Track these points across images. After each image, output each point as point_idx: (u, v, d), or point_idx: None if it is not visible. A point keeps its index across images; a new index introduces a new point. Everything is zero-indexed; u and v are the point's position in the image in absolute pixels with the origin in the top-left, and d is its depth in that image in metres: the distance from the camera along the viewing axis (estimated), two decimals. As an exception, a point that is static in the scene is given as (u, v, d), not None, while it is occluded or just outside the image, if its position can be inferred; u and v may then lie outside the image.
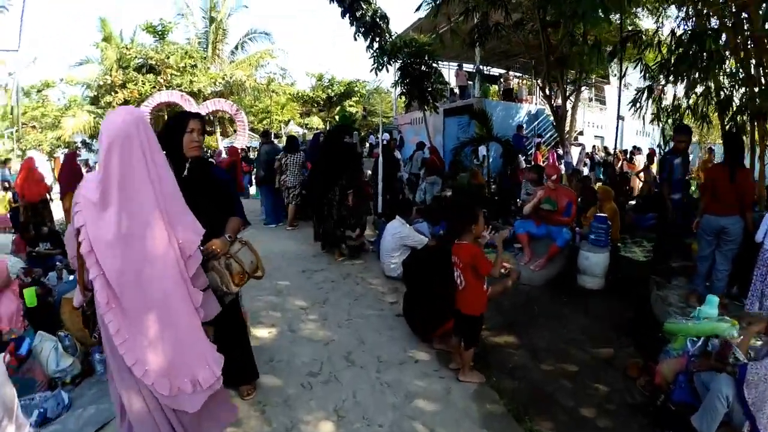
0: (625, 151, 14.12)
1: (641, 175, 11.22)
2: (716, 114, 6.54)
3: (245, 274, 2.43)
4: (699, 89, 6.36)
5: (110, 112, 1.90)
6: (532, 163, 13.58)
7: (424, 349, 3.63)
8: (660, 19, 8.17)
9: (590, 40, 8.40)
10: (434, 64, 11.43)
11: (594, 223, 5.67)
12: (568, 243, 5.58)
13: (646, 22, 11.15)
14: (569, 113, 12.68)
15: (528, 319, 4.40)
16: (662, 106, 7.10)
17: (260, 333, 3.81)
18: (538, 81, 11.17)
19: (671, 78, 6.35)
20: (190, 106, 20.08)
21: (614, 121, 18.33)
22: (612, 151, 15.29)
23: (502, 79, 18.07)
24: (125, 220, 1.78)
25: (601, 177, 13.07)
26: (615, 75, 15.69)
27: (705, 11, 6.29)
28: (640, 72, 7.78)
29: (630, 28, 8.72)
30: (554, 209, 5.55)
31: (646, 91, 6.70)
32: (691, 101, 6.64)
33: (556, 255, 5.53)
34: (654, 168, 11.42)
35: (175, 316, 1.91)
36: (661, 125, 8.05)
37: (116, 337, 1.82)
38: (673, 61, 5.99)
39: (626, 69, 8.49)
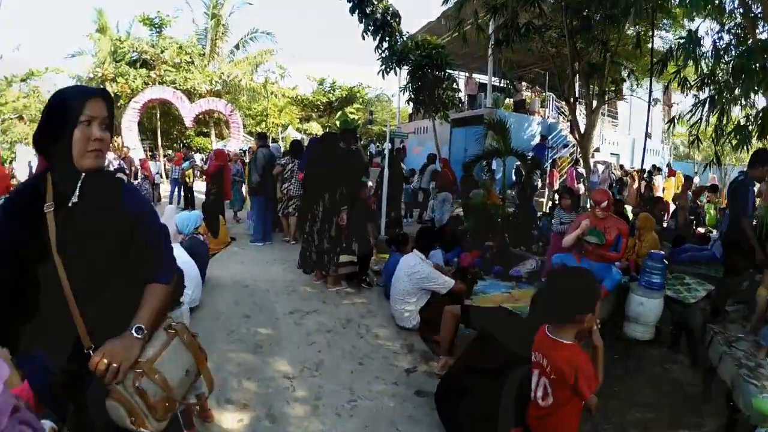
0: (644, 171, 13.14)
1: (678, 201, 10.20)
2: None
3: (174, 400, 1.31)
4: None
5: None
6: (548, 181, 12.60)
7: (463, 463, 2.43)
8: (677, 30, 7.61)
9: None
10: (448, 69, 10.45)
11: (648, 262, 4.63)
12: (617, 285, 4.60)
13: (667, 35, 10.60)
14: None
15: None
16: (721, 123, 6.12)
17: (226, 421, 2.62)
18: (564, 91, 10.22)
19: (724, 93, 5.49)
20: (182, 104, 19.10)
21: (627, 138, 17.72)
22: (629, 170, 14.44)
23: (513, 90, 17.12)
24: None
25: (618, 196, 12.12)
26: (634, 89, 14.87)
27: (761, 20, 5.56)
28: (677, 85, 6.95)
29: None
30: (601, 243, 4.53)
31: (707, 103, 5.64)
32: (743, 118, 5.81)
33: (603, 299, 4.52)
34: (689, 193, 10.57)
35: None
36: (707, 145, 7.19)
37: None
38: (723, 75, 5.40)
39: (668, 84, 7.65)
